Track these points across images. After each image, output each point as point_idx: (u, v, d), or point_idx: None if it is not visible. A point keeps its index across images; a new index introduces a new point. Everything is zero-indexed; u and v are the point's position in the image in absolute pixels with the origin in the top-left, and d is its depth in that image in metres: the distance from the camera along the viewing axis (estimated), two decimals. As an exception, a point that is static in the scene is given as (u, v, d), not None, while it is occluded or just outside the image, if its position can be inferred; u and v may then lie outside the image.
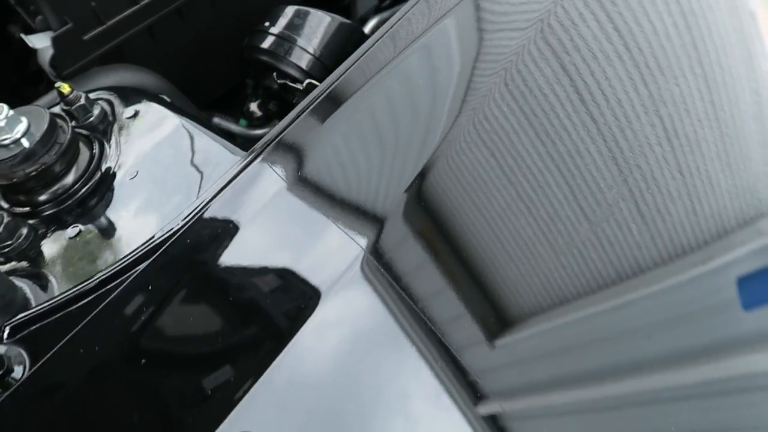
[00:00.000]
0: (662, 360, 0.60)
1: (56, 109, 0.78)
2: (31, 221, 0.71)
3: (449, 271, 0.64)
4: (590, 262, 0.65)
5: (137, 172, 0.72)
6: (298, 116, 0.69)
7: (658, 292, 0.63)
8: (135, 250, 0.61)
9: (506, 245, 0.66)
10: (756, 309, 0.63)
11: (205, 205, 0.63)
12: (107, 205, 0.72)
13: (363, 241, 0.61)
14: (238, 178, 0.65)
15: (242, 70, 1.01)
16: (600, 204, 0.67)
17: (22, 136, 0.67)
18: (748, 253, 0.65)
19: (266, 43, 0.92)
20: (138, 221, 0.71)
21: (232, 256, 0.60)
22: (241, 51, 0.97)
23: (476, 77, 0.74)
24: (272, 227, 0.63)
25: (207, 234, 0.61)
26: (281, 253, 0.61)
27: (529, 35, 0.75)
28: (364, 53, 0.73)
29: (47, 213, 0.71)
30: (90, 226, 0.71)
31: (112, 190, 0.73)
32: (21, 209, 0.72)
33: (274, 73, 0.90)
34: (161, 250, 0.59)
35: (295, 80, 0.91)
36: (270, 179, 0.65)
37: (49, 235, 0.71)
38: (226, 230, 0.61)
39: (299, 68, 0.89)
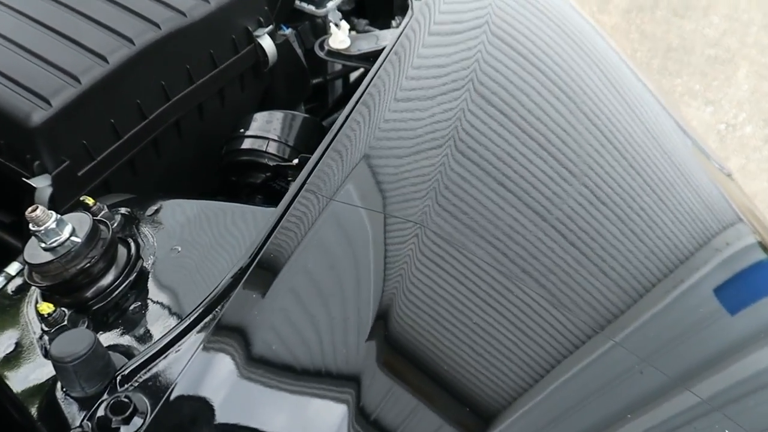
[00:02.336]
0: (670, 384, 0.63)
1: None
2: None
3: (441, 410, 0.66)
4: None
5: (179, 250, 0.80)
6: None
7: (646, 321, 0.66)
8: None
9: (485, 358, 0.70)
10: (741, 311, 0.67)
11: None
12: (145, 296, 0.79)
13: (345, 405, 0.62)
14: (184, 372, 0.64)
15: (220, 178, 1.14)
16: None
17: (70, 236, 0.74)
18: (715, 267, 0.69)
19: (245, 144, 1.06)
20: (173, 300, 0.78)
21: None
22: (221, 159, 1.10)
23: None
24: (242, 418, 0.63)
25: None
26: None
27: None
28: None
29: (94, 308, 0.77)
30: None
31: (147, 280, 0.81)
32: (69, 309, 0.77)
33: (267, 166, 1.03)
34: None
35: (276, 174, 1.05)
36: (220, 369, 0.65)
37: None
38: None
39: (279, 157, 1.03)
